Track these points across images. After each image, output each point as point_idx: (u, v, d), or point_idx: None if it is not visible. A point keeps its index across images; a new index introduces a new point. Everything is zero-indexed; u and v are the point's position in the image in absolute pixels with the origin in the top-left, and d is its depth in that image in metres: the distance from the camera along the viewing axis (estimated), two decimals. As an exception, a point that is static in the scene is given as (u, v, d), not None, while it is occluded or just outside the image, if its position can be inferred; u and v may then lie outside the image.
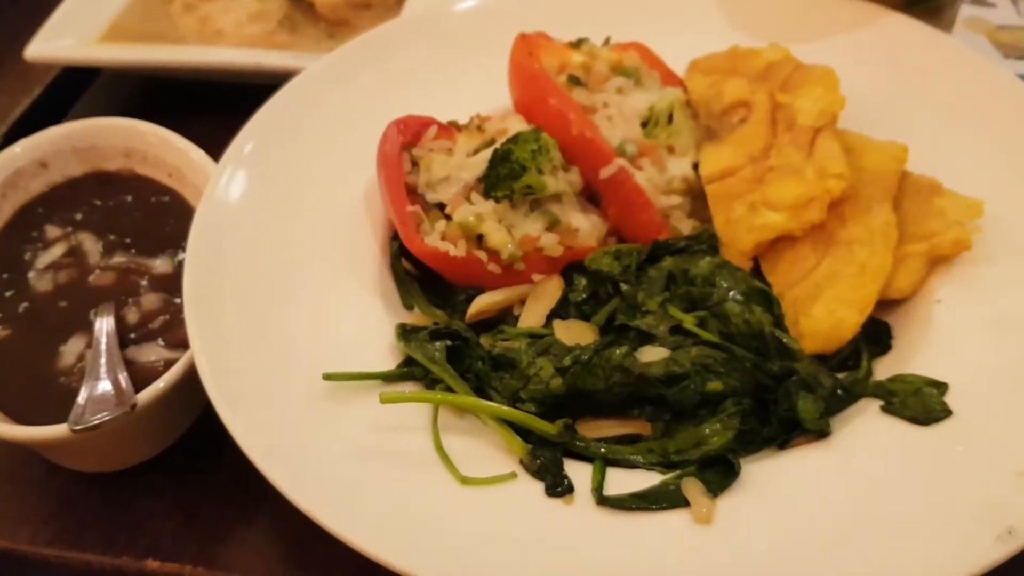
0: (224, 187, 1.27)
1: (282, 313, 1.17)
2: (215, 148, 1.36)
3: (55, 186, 1.44)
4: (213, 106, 1.71)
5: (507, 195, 1.24)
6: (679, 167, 1.34)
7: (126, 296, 1.28)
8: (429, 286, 1.29)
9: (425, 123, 1.35)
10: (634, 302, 1.17)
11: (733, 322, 1.12)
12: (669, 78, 1.46)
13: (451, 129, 1.37)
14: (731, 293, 1.15)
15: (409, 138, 1.33)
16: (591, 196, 1.33)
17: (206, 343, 1.08)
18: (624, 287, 1.19)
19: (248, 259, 1.21)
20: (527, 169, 1.24)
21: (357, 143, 1.36)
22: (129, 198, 1.43)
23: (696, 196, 1.33)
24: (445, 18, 1.57)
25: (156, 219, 1.40)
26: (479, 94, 1.45)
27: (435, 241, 1.24)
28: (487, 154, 1.28)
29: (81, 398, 1.08)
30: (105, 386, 1.09)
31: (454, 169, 1.29)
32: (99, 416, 1.04)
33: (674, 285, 1.19)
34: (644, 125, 1.37)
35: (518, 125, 1.33)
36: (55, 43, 1.72)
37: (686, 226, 1.31)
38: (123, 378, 1.10)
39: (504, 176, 1.24)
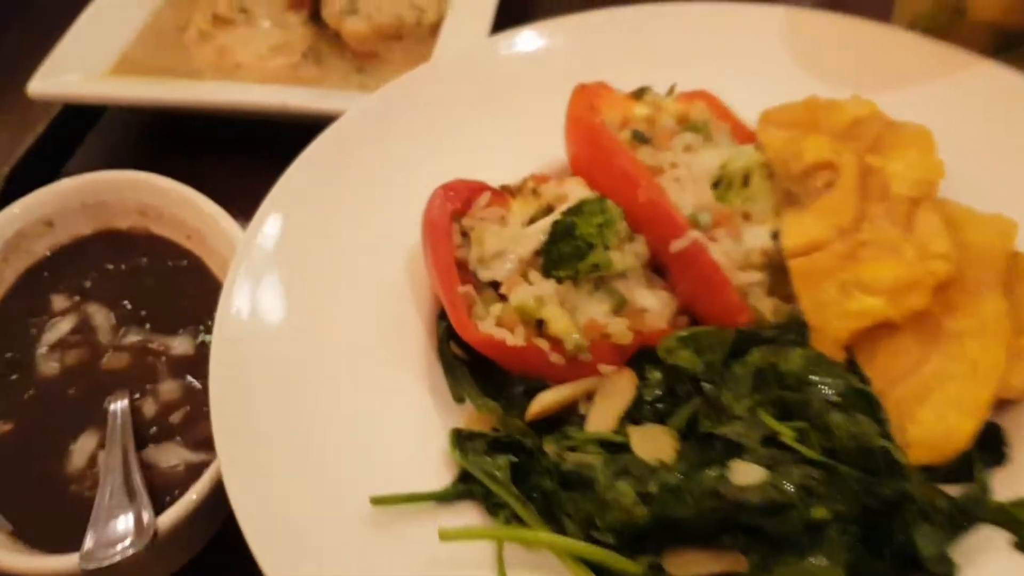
0: (251, 267, 1.13)
1: (321, 418, 1.03)
2: (235, 194, 1.25)
3: (61, 247, 1.31)
4: (233, 145, 1.58)
5: (571, 276, 1.11)
6: (757, 238, 1.19)
7: (142, 382, 1.15)
8: (480, 369, 1.15)
9: (476, 188, 1.21)
10: (719, 405, 1.03)
11: (836, 435, 0.98)
12: (739, 131, 1.32)
13: (503, 194, 1.22)
14: (829, 395, 1.01)
15: (458, 205, 1.19)
16: (656, 266, 1.20)
17: (236, 465, 0.95)
18: (706, 387, 1.05)
19: (280, 353, 1.08)
20: (593, 246, 1.10)
21: (396, 206, 1.24)
22: (144, 260, 1.30)
23: (776, 269, 1.19)
24: (487, 64, 1.42)
25: (173, 287, 1.27)
26: (528, 148, 1.32)
27: (490, 328, 1.09)
28: (544, 224, 1.15)
29: (92, 534, 0.94)
30: (123, 520, 0.94)
31: (509, 242, 1.15)
32: (114, 552, 0.91)
33: (763, 383, 1.04)
34: (715, 186, 1.24)
35: (578, 190, 1.20)
36: (60, 78, 1.57)
37: (766, 305, 1.16)
38: (144, 506, 0.96)
39: (567, 254, 1.11)
